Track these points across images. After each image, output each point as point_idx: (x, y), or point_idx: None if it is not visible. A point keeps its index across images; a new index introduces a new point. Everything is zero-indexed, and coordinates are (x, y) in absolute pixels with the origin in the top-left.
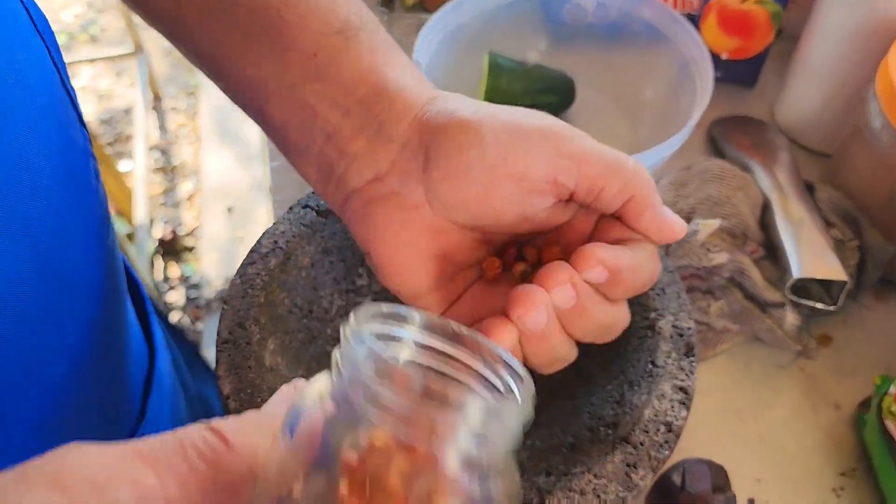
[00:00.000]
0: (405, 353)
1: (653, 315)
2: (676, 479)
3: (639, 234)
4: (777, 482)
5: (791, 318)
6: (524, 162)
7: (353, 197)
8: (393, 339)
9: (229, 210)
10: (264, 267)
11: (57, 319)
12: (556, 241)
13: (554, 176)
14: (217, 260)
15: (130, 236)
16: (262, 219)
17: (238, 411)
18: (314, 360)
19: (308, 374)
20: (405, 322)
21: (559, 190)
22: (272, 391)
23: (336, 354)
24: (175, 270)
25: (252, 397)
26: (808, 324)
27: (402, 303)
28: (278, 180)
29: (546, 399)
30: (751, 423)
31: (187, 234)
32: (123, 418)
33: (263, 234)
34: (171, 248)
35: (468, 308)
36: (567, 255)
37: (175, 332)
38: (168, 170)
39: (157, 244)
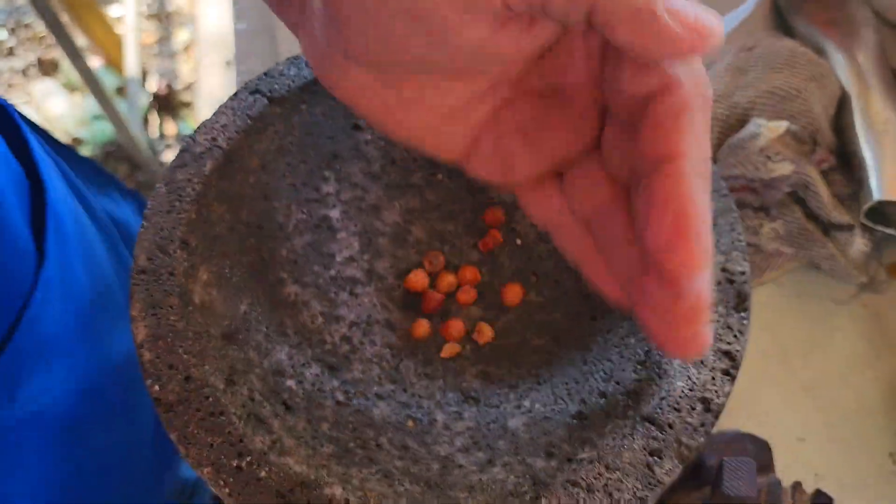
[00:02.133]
0: None
1: None
2: (709, 457)
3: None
4: (823, 442)
5: (859, 243)
6: None
7: None
8: None
9: (227, 63)
10: (197, 171)
11: None
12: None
13: None
14: None
15: (121, 90)
16: None
17: (153, 363)
18: (263, 291)
19: (252, 309)
20: None
21: None
22: (200, 338)
23: None
24: (171, 128)
25: (172, 346)
26: (878, 250)
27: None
28: (243, 47)
29: (552, 348)
30: (798, 370)
31: (184, 89)
32: (16, 261)
33: (198, 127)
34: (167, 104)
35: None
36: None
37: (67, 152)
38: (162, 16)
39: (151, 99)
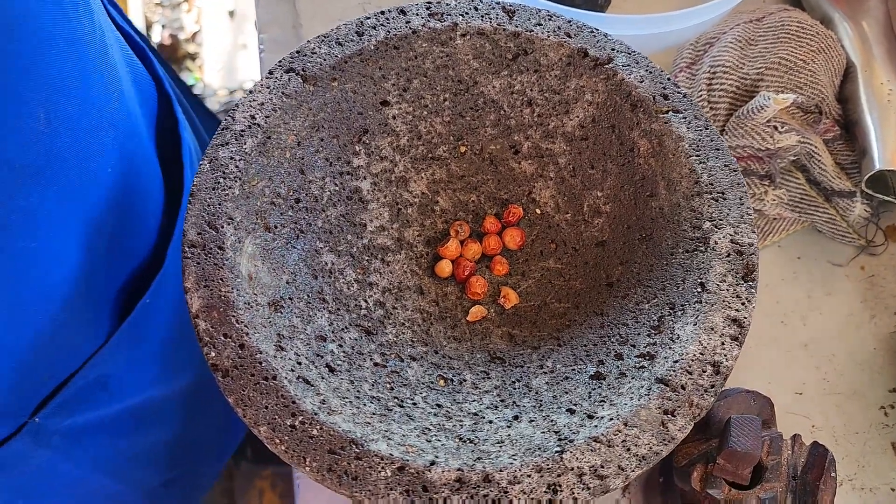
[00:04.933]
0: None
1: (707, 225)
2: (716, 413)
3: None
4: (819, 396)
5: (860, 209)
6: None
7: None
8: None
9: (231, 14)
10: (239, 149)
11: None
12: None
13: None
14: (220, 69)
15: None
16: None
17: (209, 332)
18: (302, 260)
19: (294, 281)
20: None
21: None
22: (250, 307)
23: None
24: None
25: (225, 316)
26: (876, 215)
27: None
28: (265, 14)
29: (571, 313)
30: (797, 328)
31: (187, 40)
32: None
33: (237, 106)
34: (172, 55)
35: None
36: None
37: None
38: None
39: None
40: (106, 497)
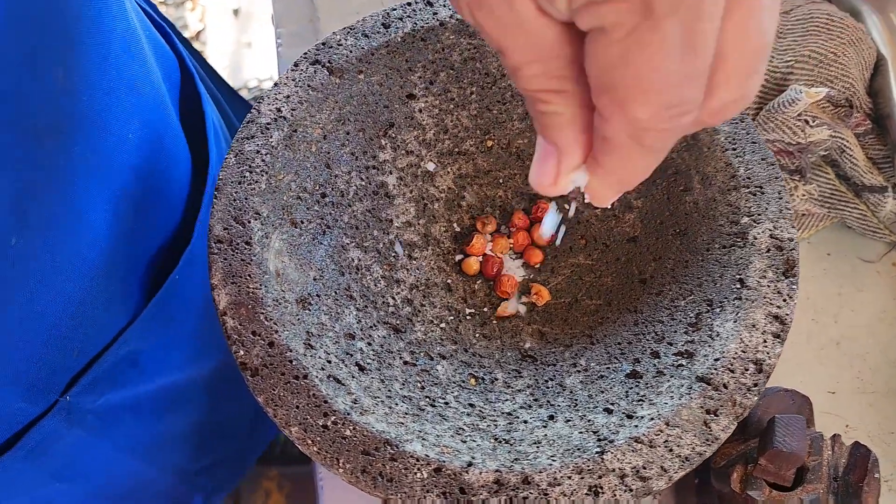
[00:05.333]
0: None
1: (745, 220)
2: (754, 412)
3: None
4: (853, 394)
5: (891, 204)
6: None
7: None
8: None
9: (235, 12)
10: (265, 143)
11: None
12: None
13: None
14: (226, 68)
15: None
16: (270, 25)
17: (237, 330)
18: (329, 256)
19: (322, 277)
20: None
21: None
22: (278, 304)
23: None
24: None
25: (254, 313)
26: None
27: None
28: (282, 8)
29: (603, 310)
30: (828, 326)
31: (192, 38)
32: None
33: (263, 98)
34: None
35: None
36: None
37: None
38: None
39: None
40: (141, 481)
